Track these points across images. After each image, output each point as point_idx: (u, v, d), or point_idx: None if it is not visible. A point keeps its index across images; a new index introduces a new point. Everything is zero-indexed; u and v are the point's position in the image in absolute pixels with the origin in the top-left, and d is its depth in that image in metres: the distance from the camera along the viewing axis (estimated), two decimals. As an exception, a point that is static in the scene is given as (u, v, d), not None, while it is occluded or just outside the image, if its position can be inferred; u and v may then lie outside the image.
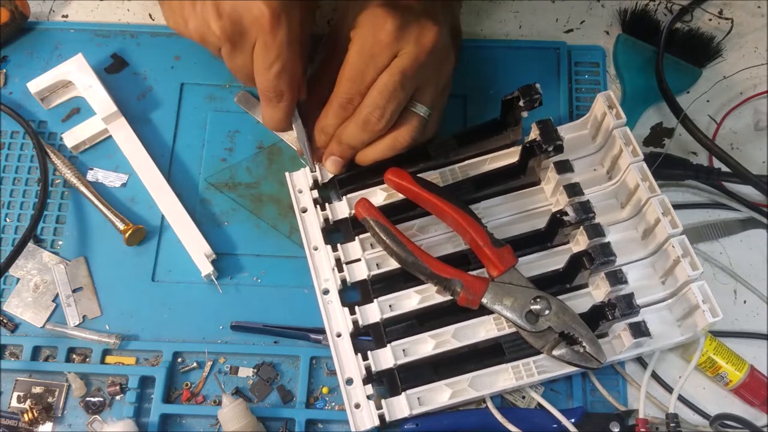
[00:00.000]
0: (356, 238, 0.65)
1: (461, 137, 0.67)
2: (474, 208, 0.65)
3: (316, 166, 0.67)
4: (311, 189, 0.68)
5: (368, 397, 0.61)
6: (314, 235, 0.67)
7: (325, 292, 0.65)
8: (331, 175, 0.67)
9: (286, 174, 0.69)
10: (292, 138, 0.71)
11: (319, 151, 0.66)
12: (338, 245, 0.65)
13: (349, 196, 0.67)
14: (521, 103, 0.62)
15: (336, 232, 0.68)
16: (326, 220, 0.66)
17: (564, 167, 0.62)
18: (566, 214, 0.61)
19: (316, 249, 0.66)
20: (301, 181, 0.68)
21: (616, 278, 0.59)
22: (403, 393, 0.60)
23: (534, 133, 0.63)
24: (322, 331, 0.64)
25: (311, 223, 0.67)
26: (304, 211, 0.68)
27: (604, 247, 0.59)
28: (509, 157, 0.67)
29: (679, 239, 0.60)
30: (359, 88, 0.61)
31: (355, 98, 0.61)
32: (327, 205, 0.67)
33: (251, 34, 0.59)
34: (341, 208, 0.67)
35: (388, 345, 0.61)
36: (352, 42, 0.61)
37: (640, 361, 0.65)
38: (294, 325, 0.65)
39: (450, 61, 0.64)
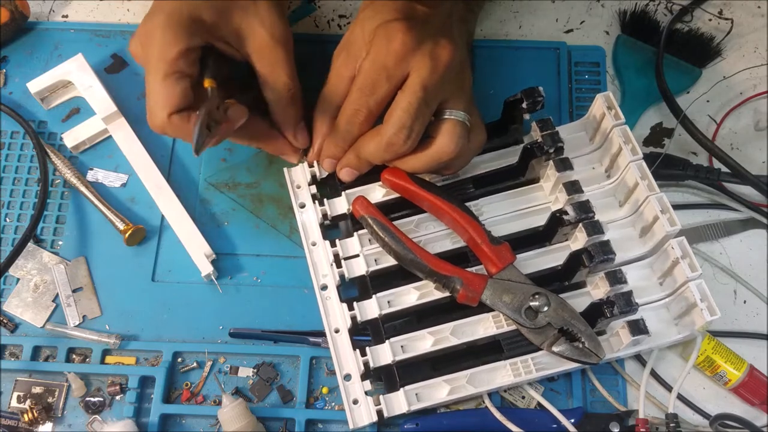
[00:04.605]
0: (355, 233, 0.65)
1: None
2: (472, 206, 0.65)
3: (315, 163, 0.67)
4: (309, 185, 0.67)
5: (366, 393, 0.61)
6: (312, 231, 0.67)
7: (324, 287, 0.65)
8: (327, 172, 0.67)
9: (285, 170, 0.68)
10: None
11: (322, 150, 0.65)
12: (337, 241, 0.65)
13: (347, 191, 0.66)
14: (524, 105, 0.62)
15: (335, 228, 0.67)
16: (325, 215, 0.66)
17: (564, 165, 0.62)
18: (566, 213, 0.61)
19: (314, 245, 0.66)
20: (299, 177, 0.68)
21: (616, 278, 0.59)
22: (401, 389, 0.60)
23: (534, 133, 0.63)
24: (321, 334, 0.64)
25: (310, 219, 0.67)
26: (303, 206, 0.67)
27: (604, 244, 0.59)
28: (508, 155, 0.67)
29: (678, 240, 0.60)
30: (368, 100, 0.59)
31: (362, 110, 0.60)
32: (325, 200, 0.66)
33: None
34: (340, 204, 0.66)
35: (387, 341, 0.61)
36: (367, 53, 0.59)
37: (640, 360, 0.65)
38: (294, 326, 0.65)
39: (468, 73, 0.63)
